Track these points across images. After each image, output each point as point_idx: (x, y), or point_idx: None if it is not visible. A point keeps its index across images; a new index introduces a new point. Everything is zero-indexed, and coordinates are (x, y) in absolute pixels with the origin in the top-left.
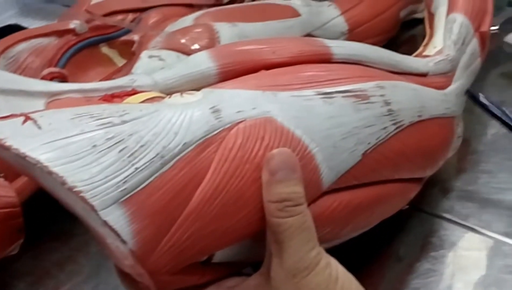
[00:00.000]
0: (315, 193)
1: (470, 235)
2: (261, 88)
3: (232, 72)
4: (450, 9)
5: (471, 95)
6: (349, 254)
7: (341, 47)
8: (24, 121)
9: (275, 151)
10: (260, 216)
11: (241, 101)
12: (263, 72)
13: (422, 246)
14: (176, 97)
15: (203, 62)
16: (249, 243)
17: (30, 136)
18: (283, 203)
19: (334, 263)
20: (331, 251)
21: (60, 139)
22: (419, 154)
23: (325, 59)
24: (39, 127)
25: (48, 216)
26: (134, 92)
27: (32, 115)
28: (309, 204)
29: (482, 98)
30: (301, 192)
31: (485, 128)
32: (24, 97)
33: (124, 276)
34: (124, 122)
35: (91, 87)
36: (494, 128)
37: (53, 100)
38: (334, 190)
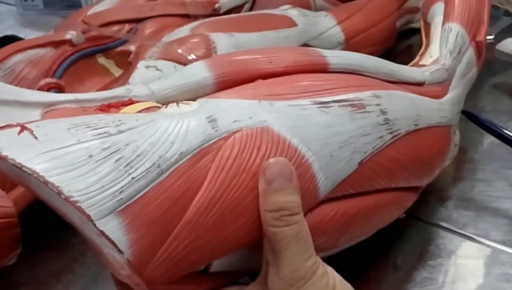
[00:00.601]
0: (312, 202)
1: (467, 243)
2: (258, 97)
3: (228, 82)
4: (446, 19)
5: (468, 114)
6: (347, 263)
7: (338, 57)
8: (20, 131)
9: (271, 160)
10: (257, 226)
11: (238, 111)
12: (259, 81)
13: (419, 255)
14: (172, 107)
15: (199, 72)
16: (246, 252)
17: (26, 146)
18: (279, 213)
19: (331, 272)
20: (329, 260)
21: (56, 149)
22: (415, 163)
23: (321, 68)
24: (35, 137)
25: (45, 226)
26: (130, 102)
27: (28, 125)
28: (306, 213)
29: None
30: (298, 201)
31: (482, 137)
32: (20, 107)
33: (122, 286)
34: (120, 132)
35: (87, 97)
36: (490, 137)
37: (49, 111)
38: (331, 199)
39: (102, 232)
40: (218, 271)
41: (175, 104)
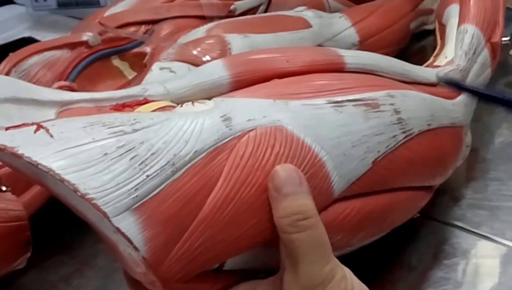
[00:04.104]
0: (326, 200)
1: (482, 242)
2: (272, 96)
3: (244, 81)
4: (462, 20)
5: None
6: (361, 264)
7: (355, 57)
8: (36, 130)
9: (278, 167)
10: (271, 224)
11: (252, 110)
12: (275, 81)
13: (434, 255)
14: (187, 106)
15: (216, 71)
16: (260, 251)
17: (42, 144)
18: (293, 217)
19: (349, 274)
20: (344, 261)
21: (72, 147)
22: (428, 163)
23: (338, 68)
24: (51, 136)
25: (54, 230)
26: (145, 102)
27: (44, 124)
28: (320, 212)
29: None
30: (311, 204)
31: (492, 136)
32: (36, 106)
33: (135, 286)
34: (135, 130)
35: (103, 96)
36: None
37: (64, 110)
38: (345, 197)
39: (118, 229)
40: (232, 269)
41: (190, 103)
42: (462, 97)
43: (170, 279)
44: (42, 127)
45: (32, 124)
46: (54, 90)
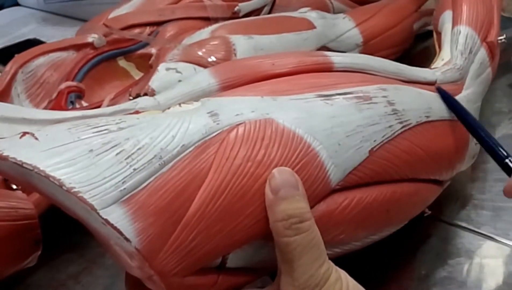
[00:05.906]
0: (323, 190)
1: (486, 243)
2: (260, 94)
3: (233, 86)
4: (455, 23)
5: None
6: (365, 264)
7: (341, 56)
8: (22, 136)
9: (275, 171)
10: (265, 215)
11: (240, 106)
12: (261, 82)
13: (438, 255)
14: (174, 108)
15: (204, 79)
16: (260, 245)
17: (27, 146)
18: (289, 221)
19: (344, 276)
20: (347, 262)
21: (57, 146)
22: (431, 154)
23: (326, 68)
24: (36, 139)
25: (63, 229)
26: (136, 113)
27: (29, 131)
28: (318, 202)
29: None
30: (306, 208)
31: (498, 138)
32: (27, 124)
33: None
34: (120, 128)
35: (94, 113)
36: (508, 138)
37: None
38: (344, 187)
39: (106, 221)
40: (235, 266)
41: (177, 105)
42: (463, 94)
43: (168, 272)
44: (28, 133)
45: (19, 133)
46: (45, 110)
